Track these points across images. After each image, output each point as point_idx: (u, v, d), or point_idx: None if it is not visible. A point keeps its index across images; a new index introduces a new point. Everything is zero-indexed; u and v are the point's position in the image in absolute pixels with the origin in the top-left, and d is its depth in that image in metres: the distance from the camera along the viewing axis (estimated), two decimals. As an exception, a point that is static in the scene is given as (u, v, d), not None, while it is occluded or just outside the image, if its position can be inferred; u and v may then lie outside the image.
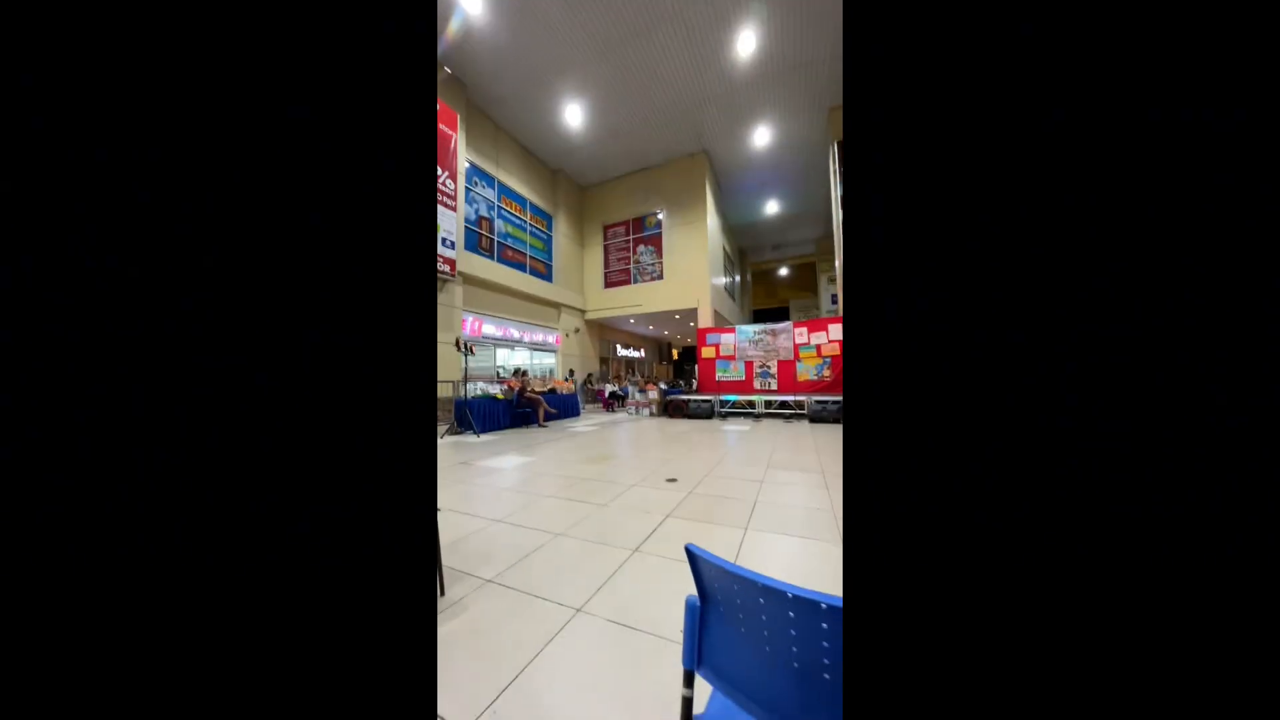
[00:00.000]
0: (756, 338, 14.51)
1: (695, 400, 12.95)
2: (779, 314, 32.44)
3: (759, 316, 32.14)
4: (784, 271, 32.31)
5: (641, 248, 18.50)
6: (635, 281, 18.26)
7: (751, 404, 12.84)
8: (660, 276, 17.77)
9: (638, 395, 15.19)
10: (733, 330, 15.09)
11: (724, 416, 12.35)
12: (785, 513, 3.66)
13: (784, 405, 12.36)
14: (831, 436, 8.29)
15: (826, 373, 13.77)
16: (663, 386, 15.28)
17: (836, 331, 14.00)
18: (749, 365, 14.69)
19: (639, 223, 18.52)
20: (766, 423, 10.93)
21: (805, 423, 10.87)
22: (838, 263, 16.36)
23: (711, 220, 17.71)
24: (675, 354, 31.41)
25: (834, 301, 22.88)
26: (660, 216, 18.00)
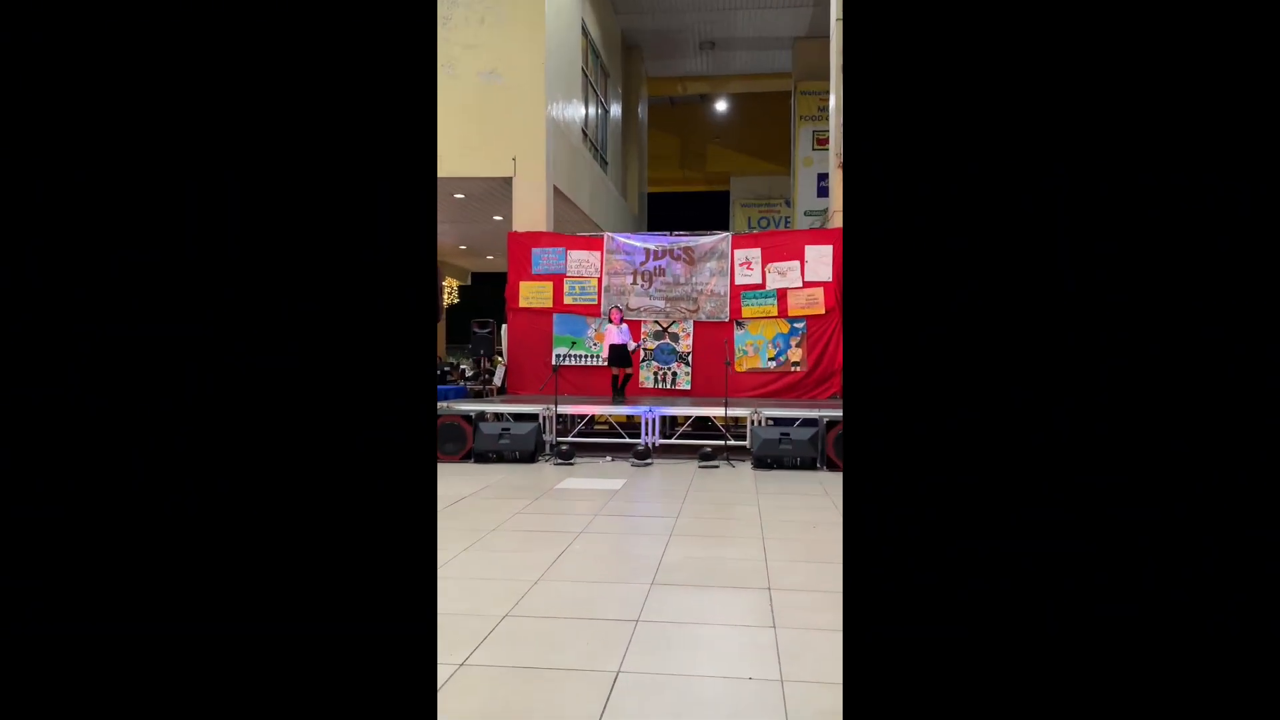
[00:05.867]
0: (650, 265, 7.50)
1: (497, 419, 6.16)
2: (707, 210, 14.86)
3: (661, 212, 14.91)
4: (721, 106, 15.81)
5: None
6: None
7: (629, 425, 6.56)
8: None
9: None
10: (597, 243, 7.69)
11: (564, 455, 5.88)
12: (683, 694, 1.93)
13: (703, 427, 6.48)
14: (797, 504, 4.41)
15: (795, 354, 7.07)
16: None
17: (823, 264, 7.03)
18: (633, 328, 7.38)
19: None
20: (662, 466, 5.79)
21: (747, 466, 5.78)
22: (833, 99, 7.57)
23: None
24: (450, 290, 14.13)
25: (821, 192, 11.10)
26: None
